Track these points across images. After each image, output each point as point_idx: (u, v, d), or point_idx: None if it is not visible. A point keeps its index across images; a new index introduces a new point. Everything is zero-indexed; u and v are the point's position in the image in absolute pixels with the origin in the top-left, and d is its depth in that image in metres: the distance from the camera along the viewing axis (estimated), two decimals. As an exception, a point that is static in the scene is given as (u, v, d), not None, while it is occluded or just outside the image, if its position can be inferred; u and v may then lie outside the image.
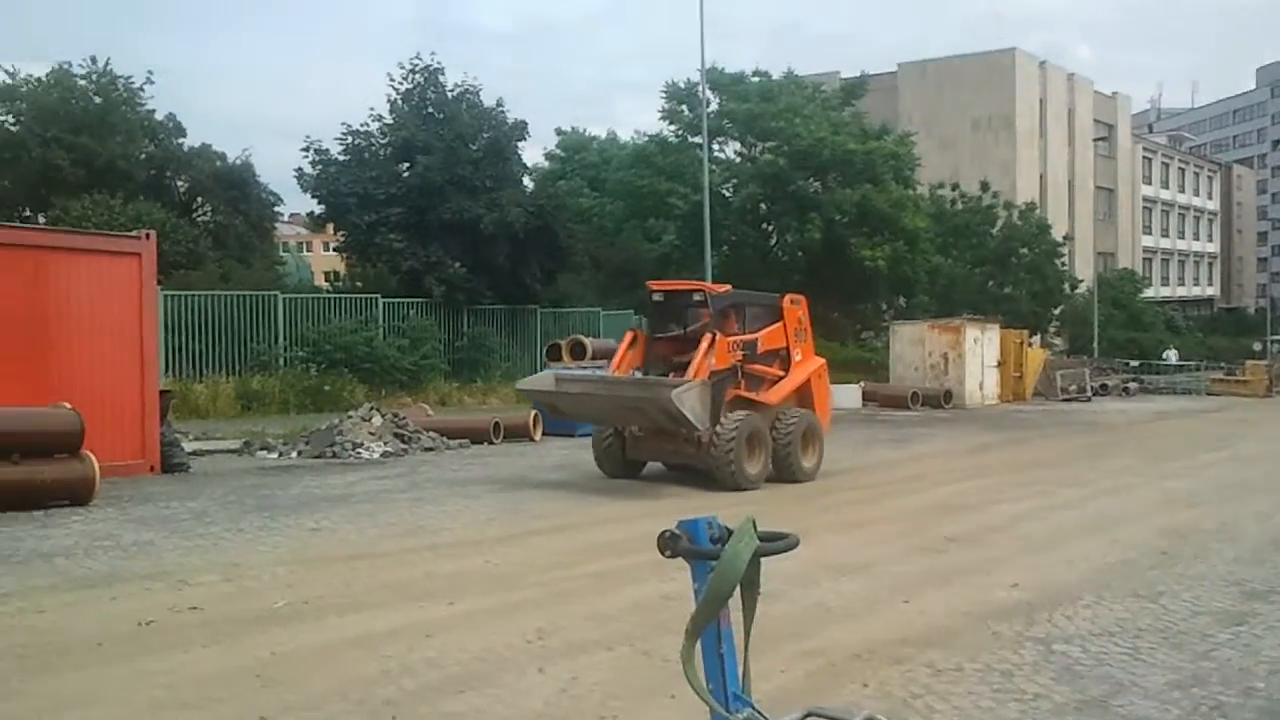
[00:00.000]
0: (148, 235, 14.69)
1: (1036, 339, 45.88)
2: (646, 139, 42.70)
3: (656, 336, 14.67)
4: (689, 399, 12.44)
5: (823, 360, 15.85)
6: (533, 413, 20.83)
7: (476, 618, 7.15)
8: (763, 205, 39.74)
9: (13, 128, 33.15)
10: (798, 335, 15.24)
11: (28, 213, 33.02)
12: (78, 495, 11.61)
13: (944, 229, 45.64)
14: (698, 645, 3.05)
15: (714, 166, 36.61)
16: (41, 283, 13.35)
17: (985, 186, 49.26)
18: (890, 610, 7.43)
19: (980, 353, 33.48)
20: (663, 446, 14.12)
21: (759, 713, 3.10)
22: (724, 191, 39.60)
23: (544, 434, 20.52)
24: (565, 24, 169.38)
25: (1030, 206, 51.54)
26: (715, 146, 39.51)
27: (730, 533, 3.11)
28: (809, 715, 3.28)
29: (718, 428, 13.25)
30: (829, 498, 13.29)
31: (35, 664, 6.05)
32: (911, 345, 34.01)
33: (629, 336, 14.85)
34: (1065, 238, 53.61)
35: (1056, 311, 52.48)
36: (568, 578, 8.46)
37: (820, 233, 37.09)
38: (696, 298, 14.36)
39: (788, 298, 15.39)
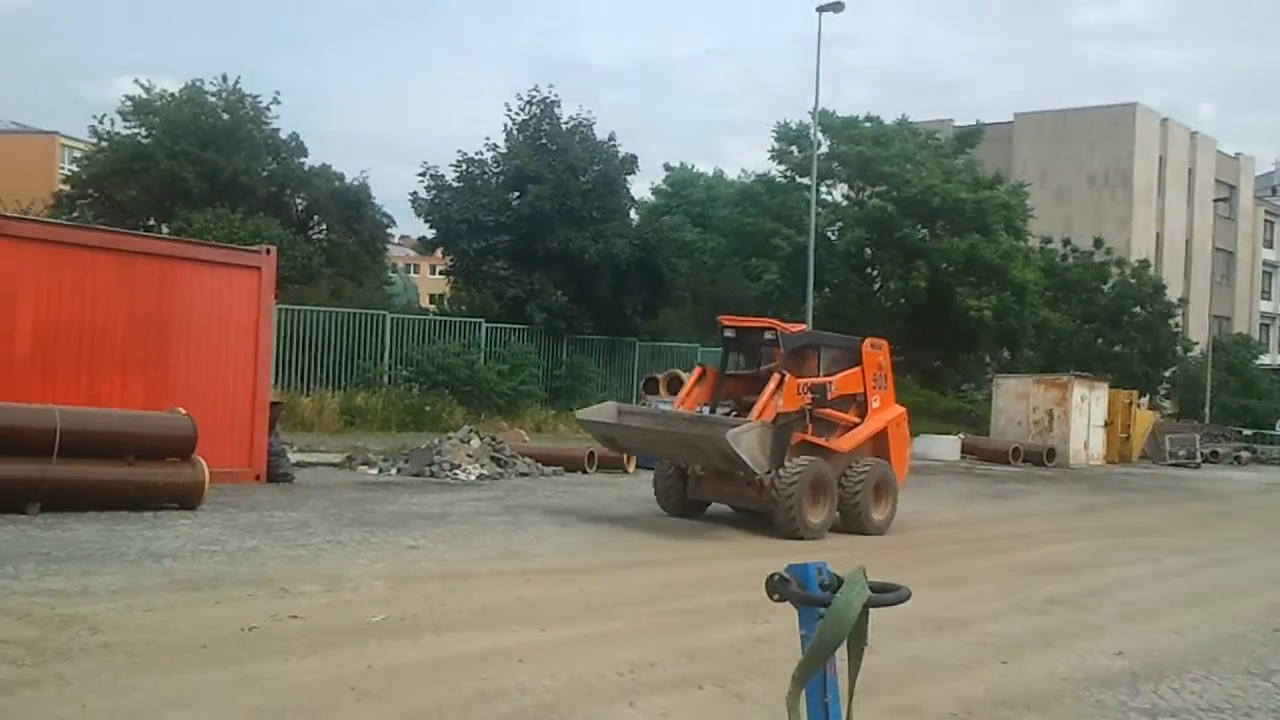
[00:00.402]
0: (269, 250, 15.18)
1: (1145, 400, 44.58)
2: (754, 178, 42.81)
3: (727, 374, 14.26)
4: (746, 441, 11.95)
5: (902, 409, 15.03)
6: (628, 445, 20.92)
7: (568, 646, 7.18)
8: (868, 250, 39.50)
9: (144, 140, 34.56)
10: (877, 381, 14.43)
11: (152, 222, 34.33)
12: (187, 499, 11.96)
13: (1054, 283, 44.74)
14: (803, 693, 3.02)
15: (821, 209, 36.51)
16: (167, 291, 13.87)
17: (1099, 243, 48.13)
18: (987, 670, 7.25)
19: (1087, 411, 32.64)
20: (723, 488, 13.67)
21: (863, 764, 3.06)
22: (829, 234, 39.46)
23: (637, 466, 20.53)
24: (677, 62, 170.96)
25: (1144, 264, 50.24)
26: (823, 189, 39.42)
27: (839, 580, 3.08)
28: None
29: (780, 472, 12.68)
30: (925, 550, 13.06)
31: (144, 662, 6.23)
32: (1015, 399, 33.31)
33: (697, 372, 14.48)
34: (1180, 300, 52.09)
35: (1167, 374, 50.93)
36: (658, 612, 8.45)
37: (925, 280, 36.70)
38: (768, 335, 13.81)
39: (868, 342, 14.59)
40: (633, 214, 37.25)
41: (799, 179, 40.77)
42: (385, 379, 26.82)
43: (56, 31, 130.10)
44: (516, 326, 30.37)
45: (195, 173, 32.79)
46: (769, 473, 12.60)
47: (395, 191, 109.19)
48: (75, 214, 33.79)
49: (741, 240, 40.57)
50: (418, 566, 9.69)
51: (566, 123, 32.84)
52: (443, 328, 29.61)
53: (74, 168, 41.26)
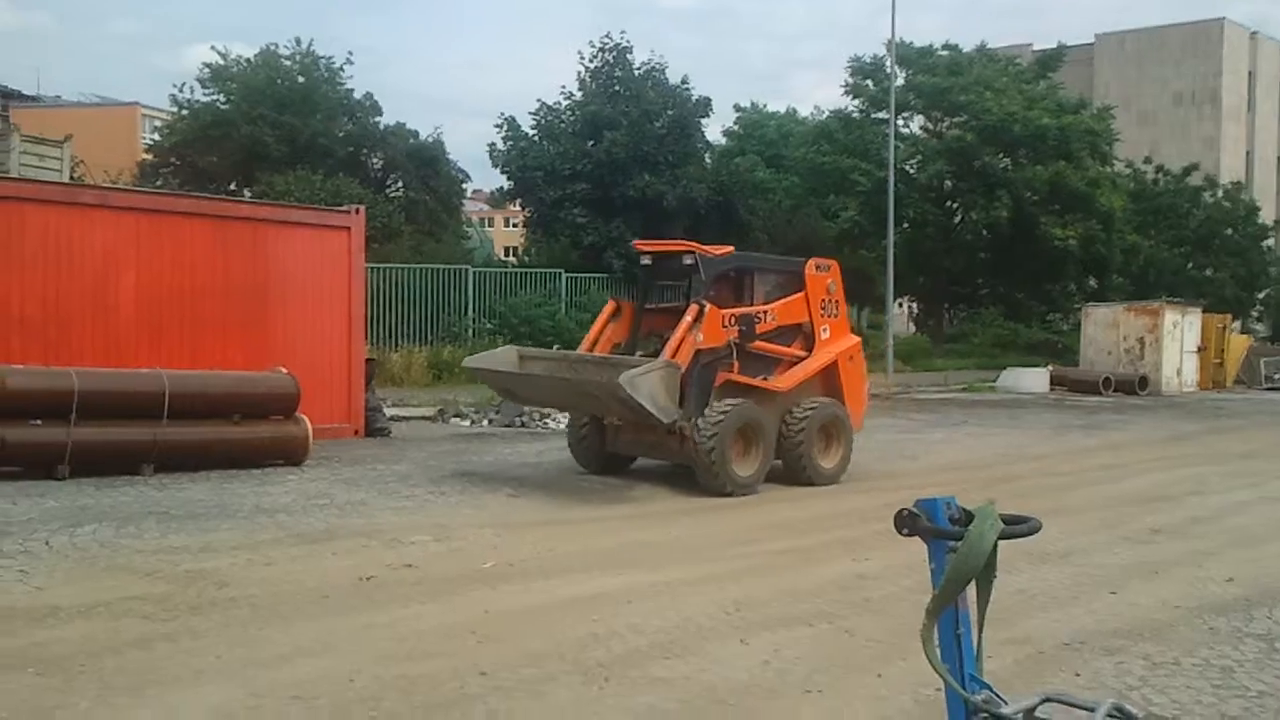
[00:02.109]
0: (357, 210, 15.44)
1: (1238, 325, 43.38)
2: (828, 115, 42.17)
3: (647, 308, 12.61)
4: (647, 384, 10.24)
5: (856, 340, 13.14)
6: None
7: (673, 587, 7.30)
8: (948, 182, 38.77)
9: (224, 106, 35.15)
10: (825, 308, 12.59)
11: (233, 187, 35.01)
12: (292, 455, 12.31)
13: (1142, 208, 43.57)
14: (936, 625, 3.06)
15: (899, 142, 35.87)
16: (260, 254, 14.17)
17: (1190, 169, 46.56)
18: (1097, 600, 7.22)
19: (1179, 337, 31.89)
20: (643, 438, 11.78)
21: (996, 695, 3.10)
22: (908, 168, 38.77)
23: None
24: (744, 1, 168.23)
25: (1236, 186, 48.63)
26: (900, 121, 38.69)
27: (967, 514, 3.11)
28: (1046, 700, 3.25)
29: (699, 419, 11.06)
30: (1023, 483, 12.95)
31: (268, 613, 6.48)
32: (1104, 328, 32.64)
33: (610, 307, 12.55)
34: (1277, 222, 50.38)
35: (1261, 296, 49.48)
36: (755, 553, 8.54)
37: (1008, 211, 35.96)
38: (688, 260, 11.90)
39: (812, 262, 12.73)
40: (707, 158, 37.05)
41: (875, 113, 40.10)
42: (470, 332, 27.15)
43: (132, 4, 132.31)
44: (596, 275, 30.47)
45: (274, 136, 33.32)
46: (683, 420, 10.95)
47: (468, 147, 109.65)
48: (159, 182, 34.58)
49: (818, 179, 40.07)
50: (520, 515, 9.90)
51: (639, 68, 32.67)
52: (523, 279, 29.83)
53: (155, 137, 42.13)
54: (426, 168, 36.84)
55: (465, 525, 9.19)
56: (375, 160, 37.75)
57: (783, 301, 12.28)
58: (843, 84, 40.86)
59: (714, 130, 52.10)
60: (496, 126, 32.20)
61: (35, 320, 12.33)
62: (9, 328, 12.12)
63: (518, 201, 35.26)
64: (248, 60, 35.90)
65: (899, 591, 7.22)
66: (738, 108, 51.39)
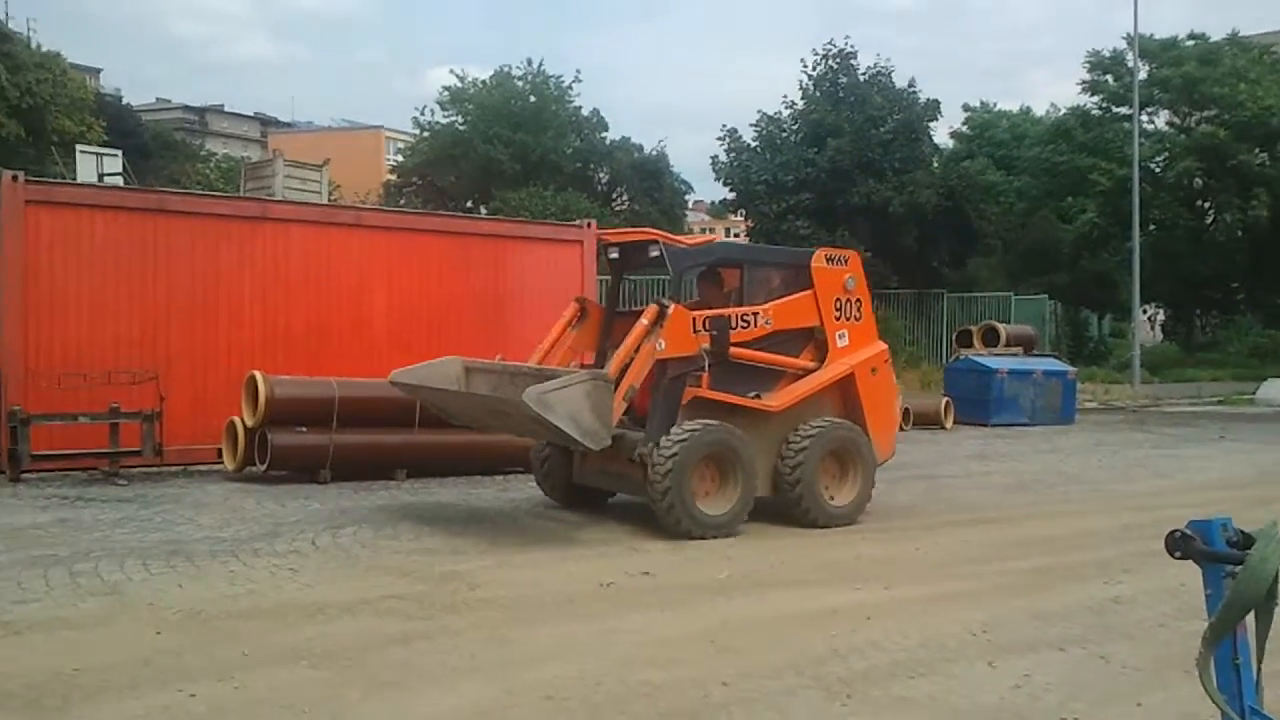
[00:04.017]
0: (589, 224, 15.89)
1: None
2: (1065, 112, 40.40)
3: (618, 312, 10.69)
4: (565, 401, 8.50)
5: (881, 347, 10.68)
6: (944, 400, 20.43)
7: (914, 605, 7.15)
8: (1198, 180, 36.41)
9: (461, 127, 36.94)
10: (841, 309, 10.31)
11: (469, 204, 36.72)
12: (529, 462, 12.74)
13: None
14: (1212, 655, 2.90)
15: (1143, 139, 33.97)
16: (500, 269, 14.77)
17: None
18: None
19: None
20: (608, 469, 9.81)
21: (1280, 728, 2.91)
22: (1152, 166, 36.67)
23: (955, 422, 20.05)
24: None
25: None
26: (1144, 118, 36.66)
27: (1245, 536, 2.93)
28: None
29: (656, 445, 9.05)
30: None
31: (518, 615, 6.72)
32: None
33: (571, 310, 10.44)
34: None
35: None
36: (1004, 571, 8.26)
37: (1268, 210, 33.47)
38: (652, 252, 9.85)
39: (821, 253, 10.51)
40: (934, 162, 36.18)
41: (1115, 109, 38.14)
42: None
43: (378, 33, 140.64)
44: (820, 285, 30.16)
45: (508, 154, 34.79)
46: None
47: (690, 158, 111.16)
48: (402, 201, 36.69)
49: (1054, 180, 38.47)
50: (754, 525, 9.90)
51: (864, 73, 32.23)
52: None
53: (399, 158, 44.65)
54: (650, 180, 37.61)
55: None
56: (602, 174, 38.83)
57: (783, 301, 10.08)
58: (1080, 80, 39.12)
59: (941, 133, 50.84)
60: (719, 139, 32.54)
61: (299, 333, 13.27)
62: (276, 340, 13.09)
63: (740, 212, 35.41)
64: (483, 82, 37.64)
65: (1156, 617, 6.82)
66: (967, 108, 49.77)
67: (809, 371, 10.11)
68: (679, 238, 10.20)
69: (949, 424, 19.93)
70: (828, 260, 10.39)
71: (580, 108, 38.38)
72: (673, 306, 9.30)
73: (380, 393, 11.95)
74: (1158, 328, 46.77)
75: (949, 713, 5.18)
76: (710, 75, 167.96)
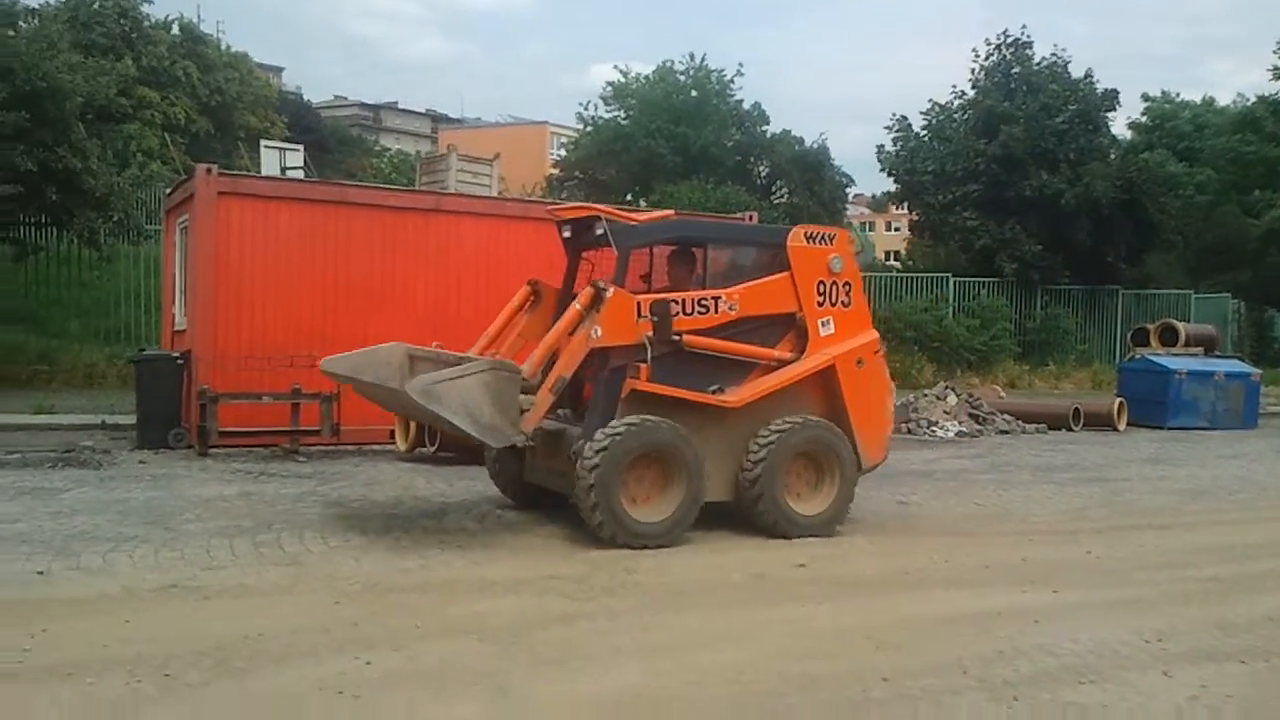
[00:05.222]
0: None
1: None
2: (1254, 100, 38.27)
3: (574, 296, 9.03)
4: (458, 393, 7.77)
5: (873, 336, 9.60)
6: (1117, 400, 19.64)
7: (1084, 609, 6.93)
8: None
9: (623, 122, 37.32)
10: (824, 293, 9.20)
11: (629, 198, 37.09)
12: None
13: None
14: None
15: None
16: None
17: None
18: None
19: None
20: (553, 468, 8.82)
21: None
22: (1354, 157, 34.41)
23: (1129, 424, 19.26)
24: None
25: None
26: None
27: None
28: None
29: (587, 445, 8.11)
30: None
31: (673, 601, 6.79)
32: None
33: (523, 293, 9.34)
34: None
35: None
36: (1182, 579, 7.90)
37: None
38: (597, 230, 8.76)
39: (800, 230, 9.28)
40: (1111, 154, 34.76)
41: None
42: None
43: (545, 29, 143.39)
44: (986, 279, 29.41)
45: (669, 148, 34.98)
46: (517, 438, 8.14)
47: (850, 150, 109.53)
48: (565, 195, 37.23)
49: (1240, 172, 36.54)
50: (912, 522, 9.77)
51: (1039, 63, 31.15)
52: (909, 284, 29.39)
53: (562, 153, 45.38)
54: (811, 173, 37.28)
55: (852, 529, 9.15)
56: (762, 167, 38.65)
57: (752, 284, 8.99)
58: (1270, 67, 36.93)
59: (1119, 124, 48.77)
60: (886, 128, 32.03)
61: (469, 318, 13.64)
62: (448, 325, 13.47)
63: (904, 204, 34.73)
64: (646, 77, 37.92)
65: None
66: (1146, 98, 47.50)
67: (786, 363, 9.06)
68: (629, 214, 9.36)
69: (1121, 425, 19.14)
70: (808, 239, 9.24)
71: (741, 101, 38.30)
72: (611, 290, 8.34)
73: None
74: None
75: (1121, 720, 5.01)
76: (872, 69, 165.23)
